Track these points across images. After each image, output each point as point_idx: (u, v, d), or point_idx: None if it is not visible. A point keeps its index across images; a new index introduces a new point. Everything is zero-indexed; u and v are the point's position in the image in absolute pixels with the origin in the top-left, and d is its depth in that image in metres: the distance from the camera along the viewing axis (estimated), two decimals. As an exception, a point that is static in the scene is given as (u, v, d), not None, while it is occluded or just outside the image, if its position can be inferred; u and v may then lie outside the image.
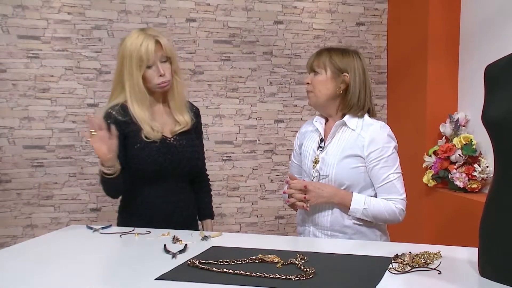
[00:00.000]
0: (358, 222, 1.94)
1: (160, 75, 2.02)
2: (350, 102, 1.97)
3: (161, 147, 2.04)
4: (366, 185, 1.95)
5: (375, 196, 1.96)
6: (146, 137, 2.02)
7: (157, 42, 2.00)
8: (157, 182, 2.06)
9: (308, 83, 2.02)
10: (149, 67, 2.00)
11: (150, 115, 2.04)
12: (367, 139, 1.92)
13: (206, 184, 2.32)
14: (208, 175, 2.33)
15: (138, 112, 2.02)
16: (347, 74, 1.96)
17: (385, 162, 1.91)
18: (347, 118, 1.97)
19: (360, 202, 1.90)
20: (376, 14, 3.78)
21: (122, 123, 2.02)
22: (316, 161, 1.99)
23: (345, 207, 1.92)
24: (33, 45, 3.20)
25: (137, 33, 2.03)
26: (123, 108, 2.04)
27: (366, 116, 1.99)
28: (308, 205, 1.91)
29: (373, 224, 1.96)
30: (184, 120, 2.11)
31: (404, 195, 1.95)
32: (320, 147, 2.02)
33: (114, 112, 2.03)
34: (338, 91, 1.97)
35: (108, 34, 3.31)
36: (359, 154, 1.92)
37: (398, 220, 1.94)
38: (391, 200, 1.92)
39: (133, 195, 2.08)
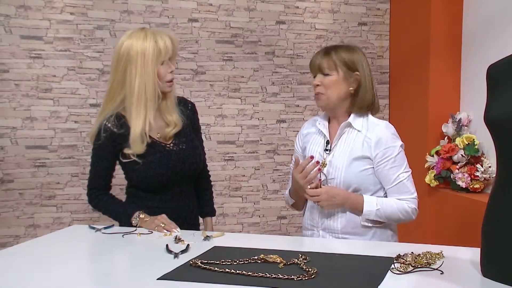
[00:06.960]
0: (368, 224, 1.92)
1: (171, 71, 2.01)
2: (363, 101, 1.94)
3: (161, 157, 2.00)
4: (375, 187, 1.94)
5: (385, 196, 1.95)
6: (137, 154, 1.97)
7: (170, 39, 2.00)
8: (161, 190, 2.04)
9: (318, 85, 1.94)
10: (161, 63, 1.98)
11: (153, 115, 1.98)
12: (373, 139, 1.90)
13: (207, 182, 2.28)
14: (209, 171, 2.30)
15: (135, 122, 1.95)
16: (358, 73, 1.92)
17: (393, 162, 1.90)
18: (352, 118, 1.94)
19: (372, 204, 1.89)
20: (378, 14, 3.78)
21: (118, 136, 1.98)
22: (323, 165, 1.96)
23: (357, 211, 1.91)
24: (36, 45, 3.20)
25: (140, 32, 1.98)
26: (118, 118, 1.99)
27: (370, 115, 1.97)
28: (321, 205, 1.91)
29: (384, 224, 1.95)
30: (173, 120, 2.04)
31: (416, 194, 1.94)
32: (327, 150, 1.98)
33: (109, 124, 1.98)
34: (351, 91, 1.94)
35: (111, 34, 3.31)
36: (367, 155, 1.90)
37: (411, 219, 1.94)
38: (404, 200, 1.91)
39: (136, 201, 2.06)
